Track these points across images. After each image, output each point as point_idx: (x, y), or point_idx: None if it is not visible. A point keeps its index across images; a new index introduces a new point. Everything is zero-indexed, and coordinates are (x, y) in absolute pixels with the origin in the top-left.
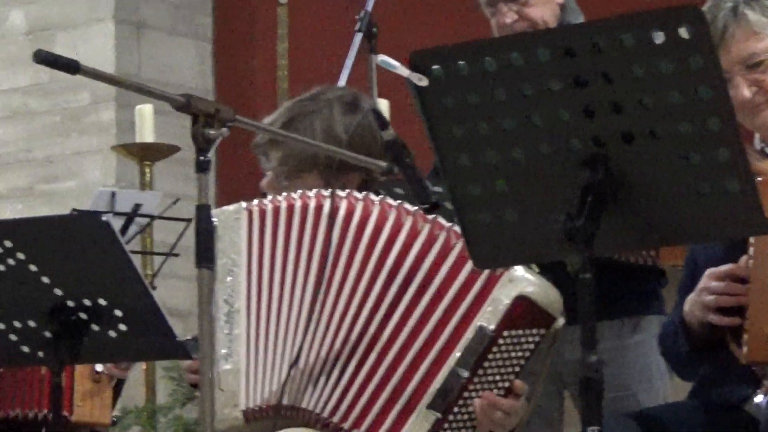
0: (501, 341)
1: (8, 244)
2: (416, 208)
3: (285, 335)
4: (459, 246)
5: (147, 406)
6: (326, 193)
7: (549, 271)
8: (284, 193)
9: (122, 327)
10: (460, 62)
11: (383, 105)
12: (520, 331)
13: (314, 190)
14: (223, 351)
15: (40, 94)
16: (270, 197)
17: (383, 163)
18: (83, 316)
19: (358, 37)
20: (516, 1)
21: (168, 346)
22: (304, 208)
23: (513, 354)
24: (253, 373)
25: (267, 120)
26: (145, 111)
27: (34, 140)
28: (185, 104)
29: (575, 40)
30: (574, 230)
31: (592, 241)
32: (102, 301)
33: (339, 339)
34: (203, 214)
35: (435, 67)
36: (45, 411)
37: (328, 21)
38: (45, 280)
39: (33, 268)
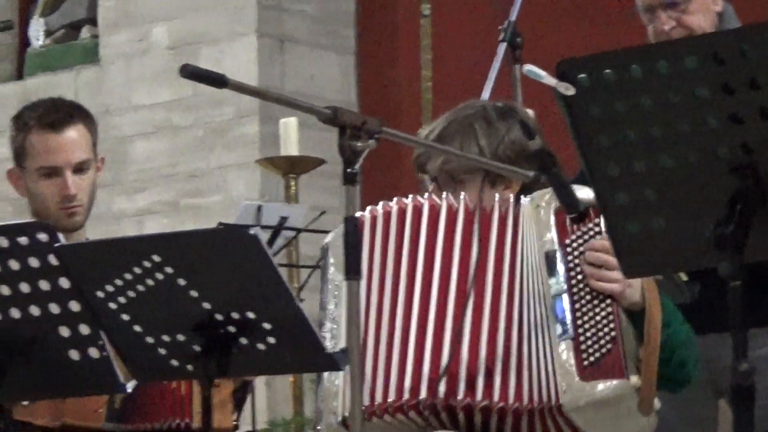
0: (569, 249)
1: (157, 258)
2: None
3: (402, 336)
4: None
5: (295, 419)
6: (438, 197)
7: (698, 278)
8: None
9: (271, 340)
10: (607, 71)
11: (530, 114)
12: (578, 232)
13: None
14: None
15: (183, 109)
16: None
17: (531, 173)
18: (232, 329)
19: (502, 47)
20: (675, 9)
21: (317, 359)
22: (417, 209)
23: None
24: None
25: (425, 130)
26: (290, 124)
27: (179, 155)
28: (332, 116)
29: (722, 47)
30: (723, 238)
31: (743, 249)
32: (250, 315)
33: (500, 328)
34: (351, 226)
35: (581, 75)
36: (171, 420)
37: (472, 31)
38: (193, 293)
39: (181, 282)
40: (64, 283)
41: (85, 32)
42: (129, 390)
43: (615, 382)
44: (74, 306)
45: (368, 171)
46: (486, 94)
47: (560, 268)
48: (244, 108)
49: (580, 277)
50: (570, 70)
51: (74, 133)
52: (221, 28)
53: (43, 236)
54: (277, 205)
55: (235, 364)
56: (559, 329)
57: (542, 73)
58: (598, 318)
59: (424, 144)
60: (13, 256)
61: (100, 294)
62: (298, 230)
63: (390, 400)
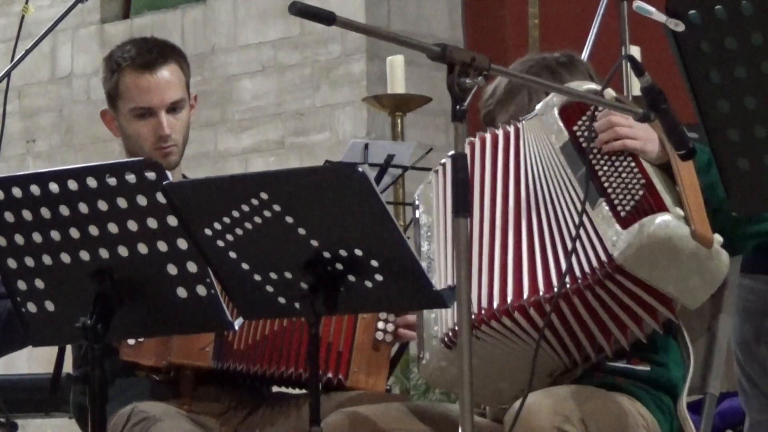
0: (578, 132)
1: (264, 196)
2: None
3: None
4: None
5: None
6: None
7: None
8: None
9: (378, 277)
10: (717, 6)
11: (635, 52)
12: (583, 117)
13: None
14: None
15: (290, 48)
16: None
17: (640, 110)
18: (339, 266)
19: None
20: None
21: (424, 296)
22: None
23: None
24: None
25: (489, 87)
26: (397, 62)
27: (285, 94)
28: (441, 53)
29: None
30: None
31: None
32: (358, 252)
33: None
34: (459, 163)
35: (692, 12)
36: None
37: None
38: (301, 231)
39: (289, 219)
40: (172, 221)
41: None
42: (237, 328)
43: (658, 216)
44: (182, 244)
45: (473, 109)
46: (593, 31)
47: (576, 152)
48: (350, 46)
49: (595, 151)
50: (680, 7)
51: (167, 73)
52: None
53: (150, 174)
54: (384, 143)
55: (342, 302)
56: (590, 200)
57: (652, 9)
58: (624, 175)
59: (534, 81)
60: (121, 195)
61: (207, 232)
62: (405, 168)
63: (496, 305)
